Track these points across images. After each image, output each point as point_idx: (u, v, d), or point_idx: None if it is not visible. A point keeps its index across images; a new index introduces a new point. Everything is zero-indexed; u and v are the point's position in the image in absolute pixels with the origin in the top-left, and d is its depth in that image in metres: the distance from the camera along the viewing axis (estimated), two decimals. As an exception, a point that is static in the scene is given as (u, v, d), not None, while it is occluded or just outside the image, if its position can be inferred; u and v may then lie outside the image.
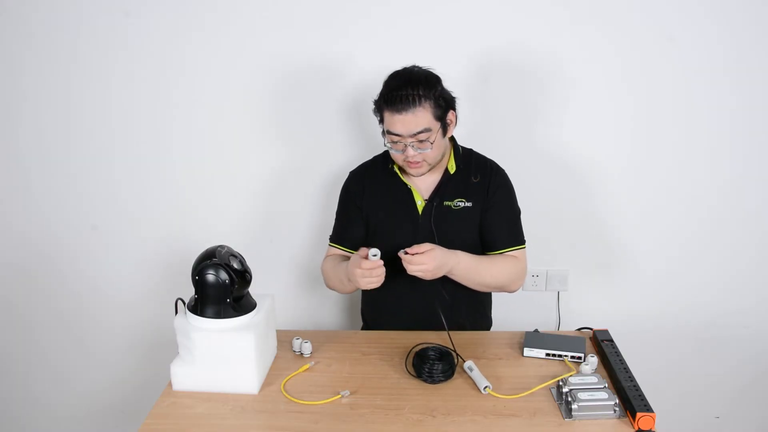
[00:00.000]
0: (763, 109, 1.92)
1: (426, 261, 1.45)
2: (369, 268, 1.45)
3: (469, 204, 1.63)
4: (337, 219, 1.75)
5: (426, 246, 1.47)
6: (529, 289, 2.13)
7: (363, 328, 1.86)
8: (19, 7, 1.88)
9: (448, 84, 1.57)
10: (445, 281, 1.59)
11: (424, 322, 1.62)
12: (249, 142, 2.01)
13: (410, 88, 1.47)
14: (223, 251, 1.41)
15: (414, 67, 1.55)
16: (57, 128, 2.01)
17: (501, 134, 1.98)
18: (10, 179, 2.07)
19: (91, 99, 1.97)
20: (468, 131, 1.94)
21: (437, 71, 1.56)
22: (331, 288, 1.71)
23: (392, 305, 1.71)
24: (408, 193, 1.65)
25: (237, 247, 1.46)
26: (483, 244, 1.67)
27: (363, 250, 1.48)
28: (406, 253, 1.46)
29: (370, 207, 1.68)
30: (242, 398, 1.38)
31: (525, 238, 1.69)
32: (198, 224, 2.08)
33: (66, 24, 1.89)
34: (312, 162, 2.01)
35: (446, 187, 1.64)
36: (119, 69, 1.93)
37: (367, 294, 1.82)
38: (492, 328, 1.85)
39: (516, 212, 1.69)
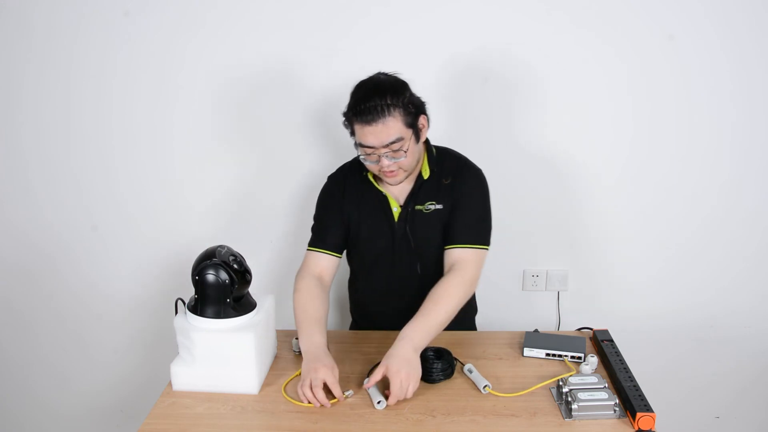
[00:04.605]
0: (763, 109, 1.92)
1: (396, 380, 1.33)
2: (316, 396, 1.35)
3: (439, 206, 1.59)
4: (316, 223, 1.69)
5: (381, 371, 1.36)
6: (529, 289, 2.13)
7: (351, 327, 1.86)
8: (19, 7, 1.88)
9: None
10: (424, 281, 1.57)
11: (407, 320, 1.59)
12: (249, 142, 2.01)
13: (378, 98, 1.42)
14: (223, 251, 1.41)
15: (380, 74, 1.50)
16: (57, 128, 2.01)
17: (501, 135, 1.97)
18: (11, 179, 2.07)
19: (91, 99, 1.97)
20: (468, 133, 1.95)
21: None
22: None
23: (378, 307, 1.72)
24: (384, 200, 1.62)
25: (237, 247, 1.46)
26: (444, 240, 1.59)
27: (332, 384, 1.36)
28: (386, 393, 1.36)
29: (350, 212, 1.64)
30: (242, 398, 1.38)
31: (490, 241, 1.59)
32: (198, 224, 2.08)
33: (66, 24, 1.89)
34: (312, 162, 2.01)
35: (419, 192, 1.60)
36: (119, 69, 1.93)
37: (353, 296, 1.82)
38: (492, 328, 1.85)
39: (483, 210, 1.60)
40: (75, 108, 1.98)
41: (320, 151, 2.00)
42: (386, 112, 1.42)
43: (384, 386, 1.37)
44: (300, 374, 1.46)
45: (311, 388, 1.34)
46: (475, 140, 1.96)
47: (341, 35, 1.88)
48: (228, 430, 1.29)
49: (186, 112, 1.98)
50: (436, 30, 1.87)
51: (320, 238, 1.65)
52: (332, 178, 1.71)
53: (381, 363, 1.37)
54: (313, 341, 1.45)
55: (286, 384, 1.44)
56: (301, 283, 1.59)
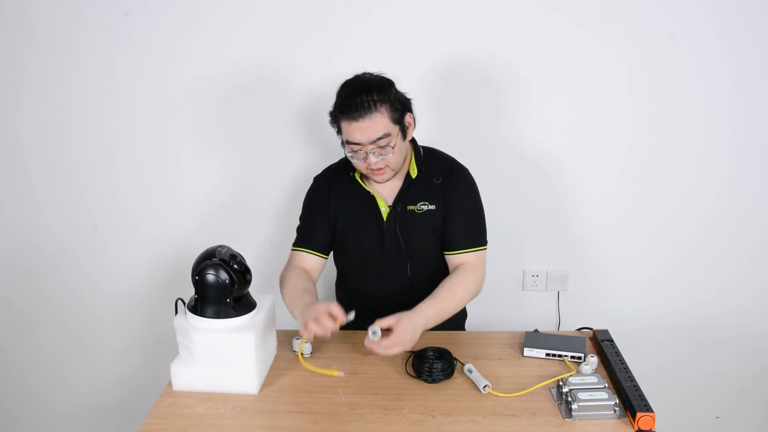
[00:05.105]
0: (763, 109, 1.92)
1: (398, 335, 1.37)
2: (324, 323, 1.36)
3: (432, 207, 1.60)
4: (302, 223, 1.69)
5: (390, 321, 1.39)
6: (529, 289, 2.13)
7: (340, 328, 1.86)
8: (19, 7, 1.88)
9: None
10: (415, 282, 1.60)
11: None
12: (250, 142, 2.02)
13: (364, 94, 1.44)
14: (223, 251, 1.41)
15: (365, 73, 1.52)
16: (57, 128, 2.01)
17: (501, 134, 1.97)
18: (11, 179, 2.07)
19: (91, 99, 1.97)
20: (469, 133, 1.95)
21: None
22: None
23: (368, 309, 1.71)
24: (371, 200, 1.62)
25: (237, 247, 1.46)
26: (442, 245, 1.63)
27: (334, 309, 1.38)
28: (375, 333, 1.39)
29: (336, 213, 1.65)
30: (242, 398, 1.38)
31: (487, 239, 1.64)
32: (198, 224, 2.08)
33: (66, 24, 1.89)
34: (315, 161, 2.01)
35: (409, 191, 1.61)
36: (119, 69, 1.93)
37: (341, 298, 1.81)
38: (492, 328, 1.85)
39: (477, 211, 1.64)
40: (75, 108, 1.98)
41: (323, 151, 1.99)
42: (373, 108, 1.44)
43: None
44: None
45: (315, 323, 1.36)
46: (475, 140, 1.96)
47: (341, 35, 1.88)
48: (228, 430, 1.29)
49: (186, 112, 1.98)
50: (435, 30, 1.87)
51: (305, 239, 1.67)
52: (318, 180, 1.71)
53: (393, 316, 1.40)
54: (306, 302, 1.47)
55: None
56: (287, 273, 1.62)
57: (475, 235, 1.62)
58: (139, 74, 1.94)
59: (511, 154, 1.99)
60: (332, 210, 1.65)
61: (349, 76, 1.51)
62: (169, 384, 1.42)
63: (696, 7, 1.82)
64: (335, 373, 1.41)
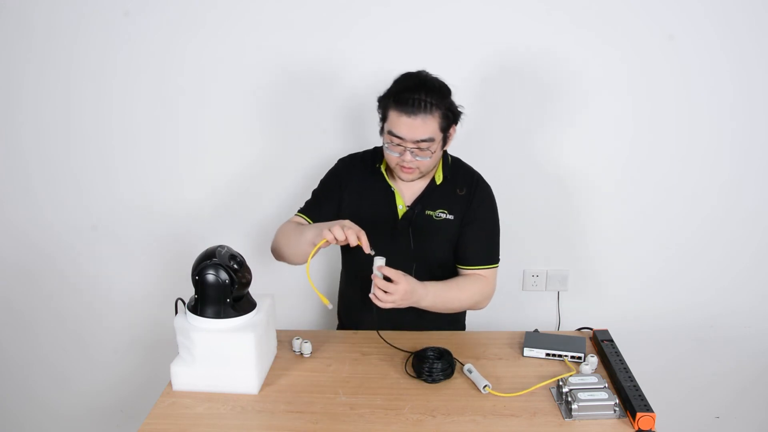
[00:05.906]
0: (763, 109, 1.92)
1: (399, 280, 1.41)
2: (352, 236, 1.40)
3: (450, 217, 1.61)
4: (312, 197, 1.71)
5: (395, 272, 1.42)
6: (529, 289, 2.13)
7: (338, 327, 1.86)
8: (19, 7, 1.88)
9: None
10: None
11: (394, 321, 1.60)
12: (251, 143, 2.01)
13: (424, 93, 1.44)
14: (223, 251, 1.41)
15: (426, 72, 1.52)
16: (57, 128, 2.01)
17: (500, 135, 1.98)
18: (10, 179, 2.07)
19: (91, 99, 1.97)
20: (467, 133, 1.94)
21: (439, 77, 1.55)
22: (275, 248, 1.65)
23: (363, 305, 1.71)
24: (391, 195, 1.63)
25: (237, 247, 1.46)
26: (456, 257, 1.65)
27: (363, 235, 1.42)
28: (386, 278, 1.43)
29: (350, 200, 1.65)
30: (242, 398, 1.38)
31: (500, 257, 1.66)
32: (198, 224, 2.08)
33: (66, 24, 1.89)
34: (315, 164, 2.01)
35: (430, 196, 1.62)
36: (119, 69, 1.93)
37: (344, 295, 1.82)
38: (492, 328, 1.85)
39: (495, 229, 1.66)
40: (75, 108, 1.98)
41: (323, 152, 1.99)
42: (428, 110, 1.44)
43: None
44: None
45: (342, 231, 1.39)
46: (473, 140, 1.96)
47: (341, 35, 1.88)
48: (228, 430, 1.29)
49: (186, 111, 1.98)
50: (435, 30, 1.87)
51: (310, 210, 1.68)
52: (342, 162, 1.72)
53: (401, 272, 1.43)
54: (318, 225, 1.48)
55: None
56: (286, 222, 1.65)
57: (490, 253, 1.64)
58: (139, 74, 1.94)
59: (510, 154, 1.99)
60: (346, 195, 1.66)
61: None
62: (169, 384, 1.42)
63: (696, 7, 1.83)
64: (326, 302, 1.43)
